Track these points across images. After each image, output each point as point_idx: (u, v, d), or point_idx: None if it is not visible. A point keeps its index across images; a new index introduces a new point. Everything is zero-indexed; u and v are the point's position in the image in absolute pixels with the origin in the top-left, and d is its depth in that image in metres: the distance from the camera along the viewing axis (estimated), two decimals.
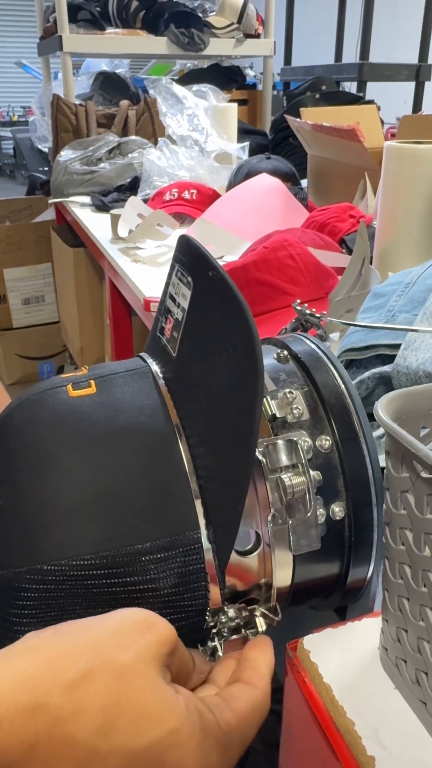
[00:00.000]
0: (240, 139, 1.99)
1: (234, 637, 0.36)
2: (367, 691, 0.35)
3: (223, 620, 0.36)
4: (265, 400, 0.39)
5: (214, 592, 0.35)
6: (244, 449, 0.33)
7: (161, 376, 0.40)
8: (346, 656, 0.37)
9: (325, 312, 0.58)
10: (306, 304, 0.57)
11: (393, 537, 0.32)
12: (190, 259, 0.39)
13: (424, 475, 0.28)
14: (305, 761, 0.38)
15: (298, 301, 0.59)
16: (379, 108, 1.92)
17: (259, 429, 0.36)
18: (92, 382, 0.39)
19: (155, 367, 0.41)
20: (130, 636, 0.29)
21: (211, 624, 0.36)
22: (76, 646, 0.28)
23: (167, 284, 0.42)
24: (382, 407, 0.31)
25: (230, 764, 0.31)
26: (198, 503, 0.35)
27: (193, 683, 0.34)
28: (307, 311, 0.56)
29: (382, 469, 0.35)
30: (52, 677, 0.26)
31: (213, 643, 0.36)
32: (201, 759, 0.28)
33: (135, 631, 0.29)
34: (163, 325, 0.42)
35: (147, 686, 0.28)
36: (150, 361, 0.42)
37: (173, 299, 0.41)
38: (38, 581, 0.33)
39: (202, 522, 0.35)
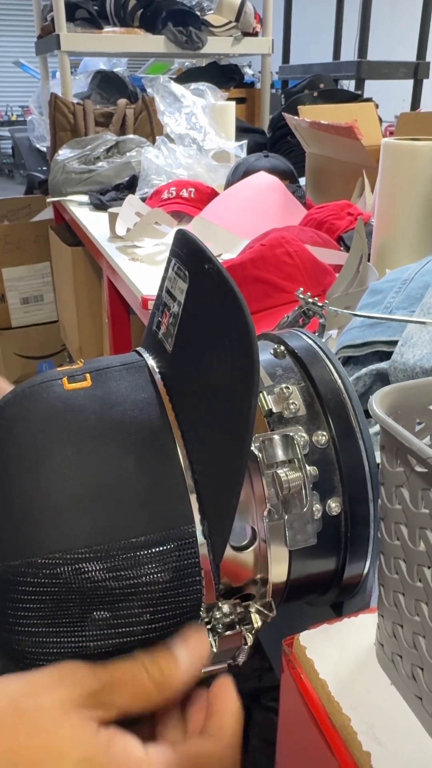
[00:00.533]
0: (238, 138, 1.99)
1: (228, 633, 0.36)
2: (363, 687, 0.35)
3: (218, 616, 0.36)
4: (261, 395, 0.39)
5: (209, 587, 0.35)
6: (239, 443, 0.33)
7: (157, 370, 0.40)
8: (342, 652, 0.37)
9: (327, 301, 0.58)
10: (309, 293, 0.57)
11: (388, 532, 0.32)
12: (187, 253, 0.39)
13: (419, 469, 0.28)
14: (302, 757, 0.38)
15: (301, 289, 0.59)
16: (377, 106, 1.92)
17: (255, 423, 0.36)
18: (87, 375, 0.39)
19: (151, 362, 0.41)
20: (41, 685, 0.31)
21: (206, 619, 0.36)
22: None
23: (164, 279, 0.42)
24: (376, 402, 0.31)
25: None
26: (193, 497, 0.35)
27: (155, 703, 0.33)
28: (310, 299, 0.56)
29: (379, 464, 0.35)
30: None
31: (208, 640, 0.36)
32: None
33: (46, 680, 0.31)
34: (160, 319, 0.42)
35: (55, 724, 0.29)
36: (146, 355, 0.42)
37: (170, 293, 0.41)
38: (33, 575, 0.33)
39: (197, 516, 0.34)
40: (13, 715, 0.29)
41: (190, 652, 0.34)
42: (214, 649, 0.35)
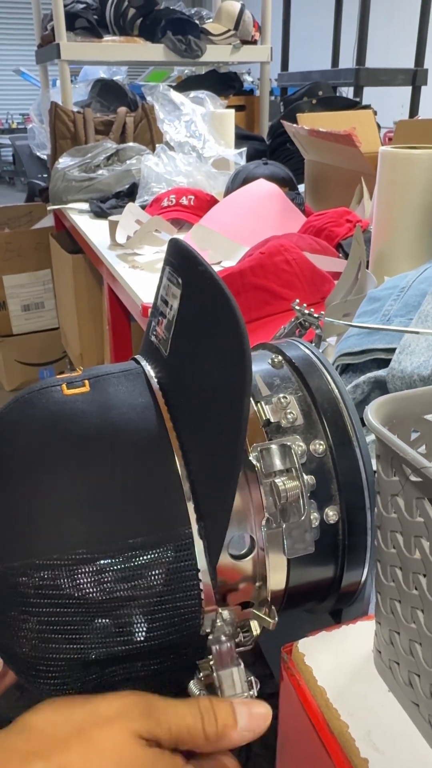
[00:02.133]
0: (237, 145, 2.00)
1: (228, 645, 0.36)
2: (360, 694, 0.35)
3: (219, 623, 0.36)
4: (259, 405, 0.40)
5: (207, 588, 0.35)
6: (232, 444, 0.34)
7: (154, 376, 0.40)
8: (340, 659, 0.37)
9: (323, 312, 0.59)
10: (305, 304, 0.58)
11: (384, 540, 0.33)
12: (179, 260, 0.40)
13: (413, 478, 0.28)
14: (301, 764, 0.38)
15: (297, 300, 0.60)
16: (375, 113, 1.93)
17: (253, 433, 0.36)
18: (86, 381, 0.40)
19: (148, 368, 0.41)
20: (106, 716, 0.32)
21: (207, 629, 0.36)
22: (57, 722, 0.32)
23: (159, 287, 0.43)
24: (372, 412, 0.31)
25: None
26: (189, 499, 0.35)
27: (201, 750, 0.34)
28: (306, 311, 0.57)
29: (375, 473, 0.35)
30: (36, 749, 0.31)
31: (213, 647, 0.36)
32: None
33: (111, 711, 0.33)
34: (156, 326, 0.42)
35: (121, 749, 0.31)
36: (143, 362, 0.42)
37: (165, 301, 0.41)
38: (32, 576, 0.33)
39: (193, 518, 0.35)
40: (80, 738, 0.31)
41: (250, 719, 0.34)
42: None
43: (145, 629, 0.35)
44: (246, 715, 0.34)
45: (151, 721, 0.32)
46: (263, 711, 0.35)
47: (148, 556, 0.34)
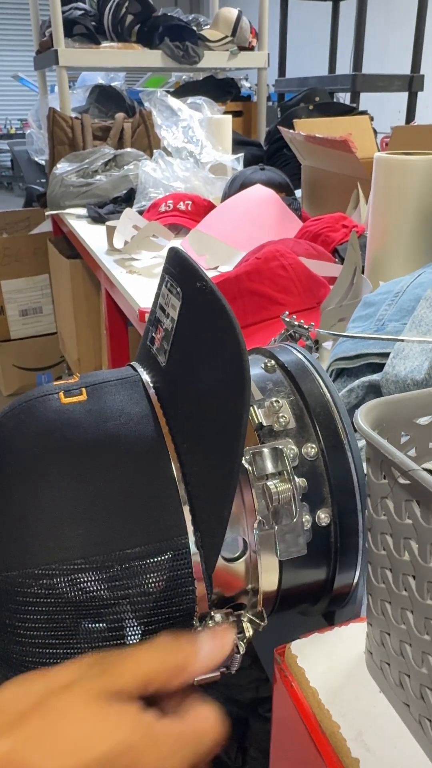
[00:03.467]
0: (235, 151, 2.01)
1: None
2: (352, 695, 0.36)
3: (210, 625, 0.36)
4: (252, 408, 0.40)
5: (201, 596, 0.36)
6: (230, 456, 0.34)
7: (151, 384, 0.41)
8: (332, 660, 0.38)
9: (313, 323, 0.59)
10: (294, 315, 0.58)
11: (375, 542, 0.33)
12: (180, 270, 0.40)
13: (402, 481, 0.29)
14: (293, 763, 0.39)
15: (287, 312, 0.60)
16: (372, 118, 1.94)
17: (246, 437, 0.37)
18: (83, 389, 0.40)
19: (145, 376, 0.42)
20: (62, 682, 0.31)
21: (199, 629, 0.36)
22: (17, 696, 0.31)
23: (157, 295, 0.43)
24: (361, 416, 0.32)
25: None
26: (186, 509, 0.36)
27: (167, 687, 0.33)
28: (296, 322, 0.57)
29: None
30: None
31: None
32: (158, 760, 0.30)
33: (67, 676, 0.31)
34: (153, 335, 0.43)
35: (81, 715, 0.30)
36: (140, 369, 0.43)
37: (163, 310, 0.42)
38: (30, 585, 0.34)
39: (189, 527, 0.35)
40: (40, 709, 0.30)
41: (213, 644, 0.34)
42: (240, 652, 0.36)
43: (139, 633, 0.36)
44: (208, 640, 0.34)
45: (108, 677, 0.31)
46: (224, 631, 0.35)
47: (145, 565, 0.35)
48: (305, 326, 0.56)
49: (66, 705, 0.30)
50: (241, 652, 0.38)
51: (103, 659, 0.32)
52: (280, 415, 0.40)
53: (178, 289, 0.39)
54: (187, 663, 0.33)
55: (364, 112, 2.06)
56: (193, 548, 0.35)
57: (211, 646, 0.34)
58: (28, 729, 0.29)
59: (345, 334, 0.62)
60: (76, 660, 0.32)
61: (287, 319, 0.56)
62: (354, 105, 2.76)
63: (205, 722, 0.33)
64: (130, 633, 0.36)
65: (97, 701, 0.30)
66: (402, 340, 0.55)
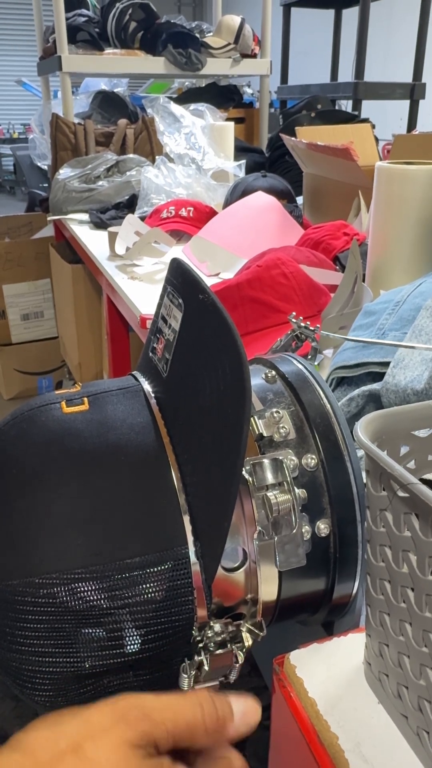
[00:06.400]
0: (237, 157, 2.01)
1: (219, 651, 0.37)
2: (350, 706, 0.36)
3: (210, 635, 0.36)
4: (252, 419, 0.40)
5: (201, 606, 0.36)
6: (230, 467, 0.34)
7: (152, 394, 0.41)
8: (331, 671, 0.38)
9: (318, 326, 0.59)
10: (301, 317, 0.58)
11: (374, 554, 0.33)
12: (182, 282, 0.40)
13: (400, 493, 0.29)
14: None
15: (294, 313, 0.60)
16: (374, 126, 1.95)
17: (246, 448, 0.37)
18: (85, 399, 0.40)
19: (147, 386, 0.42)
20: (100, 727, 0.31)
21: (198, 638, 0.36)
22: (50, 738, 0.30)
23: (159, 305, 0.43)
24: (361, 428, 0.32)
25: None
26: (186, 519, 0.36)
27: (201, 744, 0.33)
28: (302, 324, 0.57)
29: None
30: (31, 763, 0.29)
31: (199, 658, 0.36)
32: None
33: (105, 721, 0.31)
34: (155, 345, 0.43)
35: (112, 763, 0.30)
36: (142, 379, 0.43)
37: (165, 320, 0.42)
38: (30, 594, 0.34)
39: (190, 537, 0.36)
40: (75, 753, 0.30)
41: (245, 710, 0.34)
42: (206, 667, 0.36)
43: (138, 642, 0.36)
44: (242, 707, 0.33)
45: (147, 723, 0.31)
46: (255, 704, 0.34)
47: (145, 575, 0.35)
48: (312, 328, 0.56)
49: (103, 753, 0.30)
50: (240, 662, 0.38)
51: (141, 703, 0.32)
52: (281, 425, 0.40)
53: (180, 301, 0.40)
54: (225, 721, 0.33)
55: (365, 120, 2.07)
56: (193, 558, 0.35)
57: (244, 711, 0.34)
58: None
59: (349, 337, 0.62)
60: (111, 701, 0.32)
61: (294, 320, 0.57)
62: (356, 113, 2.76)
63: None
64: (129, 642, 0.36)
65: (134, 753, 0.30)
66: (407, 347, 0.55)
